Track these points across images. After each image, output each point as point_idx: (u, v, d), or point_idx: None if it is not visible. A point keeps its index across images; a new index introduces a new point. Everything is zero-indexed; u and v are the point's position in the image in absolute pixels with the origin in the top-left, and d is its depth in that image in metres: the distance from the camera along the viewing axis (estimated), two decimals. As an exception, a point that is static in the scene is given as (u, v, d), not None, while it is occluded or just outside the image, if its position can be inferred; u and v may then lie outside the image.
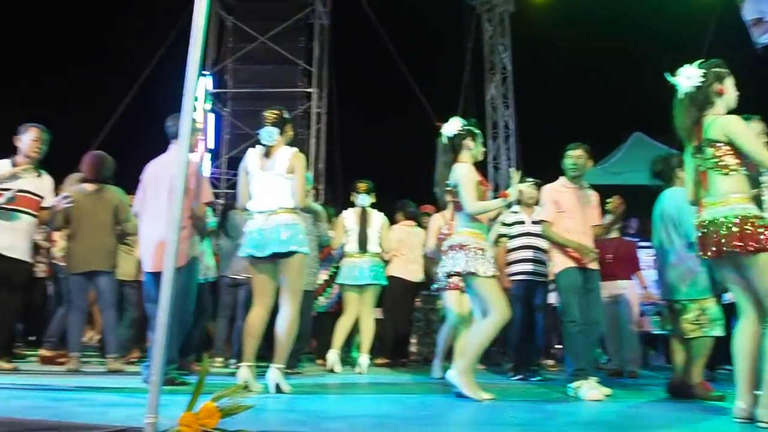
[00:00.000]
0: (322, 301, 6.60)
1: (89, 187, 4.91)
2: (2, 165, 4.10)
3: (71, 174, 5.37)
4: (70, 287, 4.93)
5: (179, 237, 4.02)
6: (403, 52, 12.76)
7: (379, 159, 12.47)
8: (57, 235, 5.52)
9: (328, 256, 6.33)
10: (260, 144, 4.04)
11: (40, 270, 6.06)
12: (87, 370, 4.84)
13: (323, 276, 6.51)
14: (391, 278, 6.20)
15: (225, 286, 5.84)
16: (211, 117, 13.71)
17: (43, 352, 5.56)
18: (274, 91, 13.48)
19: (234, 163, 13.86)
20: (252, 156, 4.04)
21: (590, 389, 4.15)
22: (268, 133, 3.98)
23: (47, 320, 5.73)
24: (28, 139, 4.61)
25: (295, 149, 4.06)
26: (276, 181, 3.94)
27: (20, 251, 4.56)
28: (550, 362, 6.98)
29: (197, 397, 2.33)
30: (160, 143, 4.38)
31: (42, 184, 4.73)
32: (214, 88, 14.08)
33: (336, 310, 6.37)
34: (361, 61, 14.24)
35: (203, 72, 13.44)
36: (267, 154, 4.00)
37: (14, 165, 4.59)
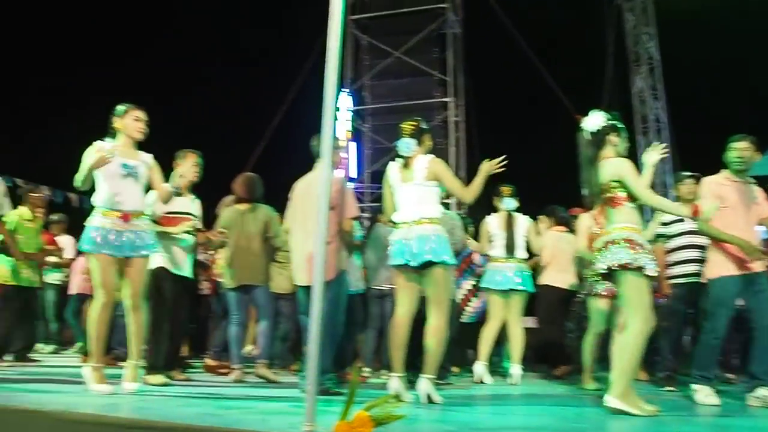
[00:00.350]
0: (469, 311, 6.52)
1: (242, 206, 5.23)
2: (150, 194, 4.41)
3: (225, 197, 5.73)
4: (229, 302, 5.28)
5: (327, 251, 4.21)
6: (540, 52, 12.43)
7: (522, 164, 12.16)
8: (217, 254, 5.94)
9: (468, 266, 6.25)
10: (399, 156, 4.09)
11: (205, 287, 6.55)
12: (249, 380, 5.14)
13: (467, 286, 6.43)
14: (544, 287, 6.01)
15: (372, 298, 5.97)
16: (353, 146, 14.15)
17: (207, 361, 6.03)
18: (411, 104, 13.70)
19: (376, 177, 14.24)
20: (393, 168, 4.11)
21: (707, 395, 4.06)
22: (406, 144, 4.03)
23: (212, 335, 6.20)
24: (188, 164, 4.98)
25: (431, 156, 4.05)
26: (417, 190, 3.97)
27: (185, 270, 4.94)
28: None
29: (350, 406, 2.38)
30: (307, 162, 4.58)
31: (196, 206, 5.10)
32: (354, 105, 14.57)
33: (483, 319, 6.26)
34: (496, 66, 14.06)
35: (343, 89, 14.00)
36: (406, 165, 4.04)
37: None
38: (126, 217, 3.98)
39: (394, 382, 3.89)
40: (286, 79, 13.52)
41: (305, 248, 4.26)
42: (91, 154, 3.95)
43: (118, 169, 3.98)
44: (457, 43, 14.18)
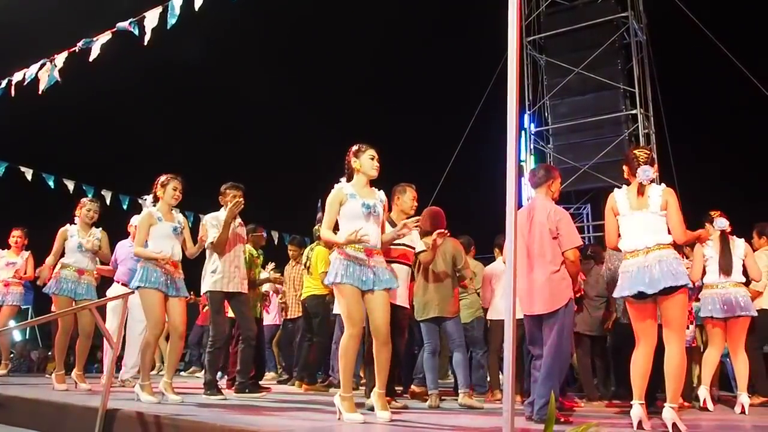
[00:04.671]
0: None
1: (429, 239, 5.34)
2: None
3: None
4: (423, 332, 5.41)
5: (554, 280, 4.13)
6: (739, 51, 11.23)
7: (723, 176, 11.07)
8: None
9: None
10: (627, 184, 4.04)
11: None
12: (445, 406, 5.16)
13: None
14: (764, 311, 5.43)
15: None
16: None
17: (413, 388, 6.17)
18: (597, 120, 13.20)
19: (563, 197, 13.77)
20: (620, 196, 4.04)
21: None
22: (644, 171, 3.94)
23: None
24: (408, 197, 5.23)
25: (663, 185, 3.96)
26: (651, 219, 3.88)
27: (401, 298, 5.12)
28: None
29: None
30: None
31: (413, 236, 5.27)
32: (535, 127, 14.37)
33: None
34: (688, 71, 13.05)
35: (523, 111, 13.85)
36: (640, 192, 3.95)
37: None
38: (370, 252, 4.03)
39: (635, 409, 3.74)
40: (465, 107, 13.70)
41: (527, 279, 4.28)
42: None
43: (362, 208, 4.05)
44: (643, 52, 13.44)
